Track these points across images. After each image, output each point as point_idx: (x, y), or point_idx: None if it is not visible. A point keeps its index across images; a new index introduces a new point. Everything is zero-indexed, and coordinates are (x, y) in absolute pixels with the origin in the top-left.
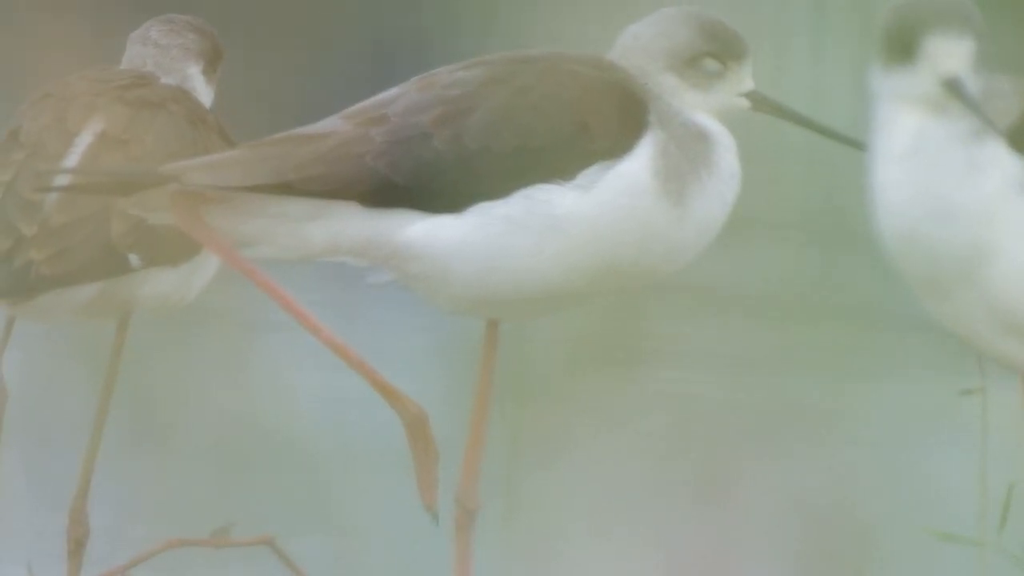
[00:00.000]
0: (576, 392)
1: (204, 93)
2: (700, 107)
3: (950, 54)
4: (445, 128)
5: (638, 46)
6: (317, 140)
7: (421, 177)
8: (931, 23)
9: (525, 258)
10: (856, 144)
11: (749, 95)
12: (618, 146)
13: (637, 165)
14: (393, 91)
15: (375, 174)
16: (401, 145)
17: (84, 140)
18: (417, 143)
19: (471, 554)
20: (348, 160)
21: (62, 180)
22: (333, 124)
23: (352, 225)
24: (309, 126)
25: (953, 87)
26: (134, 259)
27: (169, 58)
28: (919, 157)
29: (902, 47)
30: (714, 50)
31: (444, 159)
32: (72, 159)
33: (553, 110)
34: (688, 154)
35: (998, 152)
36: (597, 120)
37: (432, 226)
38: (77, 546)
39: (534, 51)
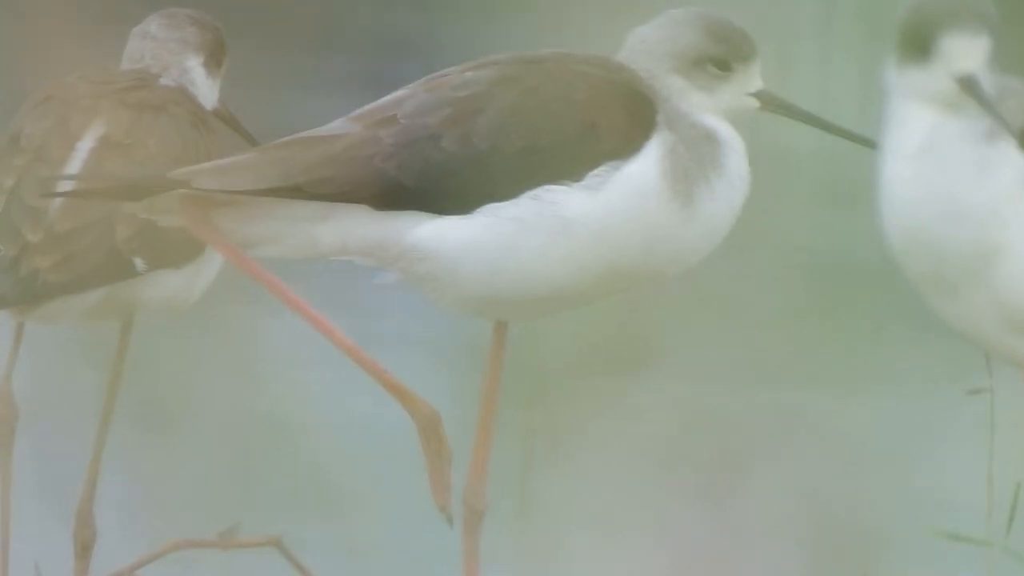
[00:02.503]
0: (585, 391)
1: (205, 86)
2: (708, 108)
3: (965, 52)
4: (454, 129)
5: (645, 49)
6: (326, 143)
7: (430, 178)
8: (947, 21)
9: (533, 259)
10: (866, 142)
11: (758, 94)
12: (626, 147)
13: (645, 166)
14: (402, 92)
15: (384, 176)
16: (410, 147)
17: (86, 145)
18: (426, 144)
19: (478, 553)
20: (357, 163)
21: (69, 186)
22: (342, 126)
23: (361, 227)
24: (318, 128)
25: (968, 85)
26: (139, 263)
27: (167, 51)
28: (930, 155)
29: (918, 45)
30: (719, 53)
31: (453, 160)
32: (75, 164)
33: (561, 110)
34: (696, 156)
35: (1009, 152)
36: (605, 120)
37: (441, 228)
38: (84, 549)
39: (543, 52)
